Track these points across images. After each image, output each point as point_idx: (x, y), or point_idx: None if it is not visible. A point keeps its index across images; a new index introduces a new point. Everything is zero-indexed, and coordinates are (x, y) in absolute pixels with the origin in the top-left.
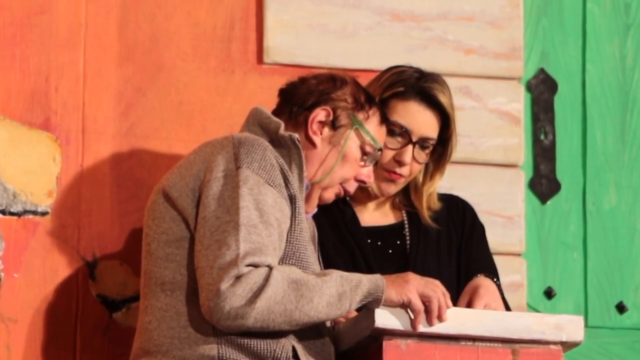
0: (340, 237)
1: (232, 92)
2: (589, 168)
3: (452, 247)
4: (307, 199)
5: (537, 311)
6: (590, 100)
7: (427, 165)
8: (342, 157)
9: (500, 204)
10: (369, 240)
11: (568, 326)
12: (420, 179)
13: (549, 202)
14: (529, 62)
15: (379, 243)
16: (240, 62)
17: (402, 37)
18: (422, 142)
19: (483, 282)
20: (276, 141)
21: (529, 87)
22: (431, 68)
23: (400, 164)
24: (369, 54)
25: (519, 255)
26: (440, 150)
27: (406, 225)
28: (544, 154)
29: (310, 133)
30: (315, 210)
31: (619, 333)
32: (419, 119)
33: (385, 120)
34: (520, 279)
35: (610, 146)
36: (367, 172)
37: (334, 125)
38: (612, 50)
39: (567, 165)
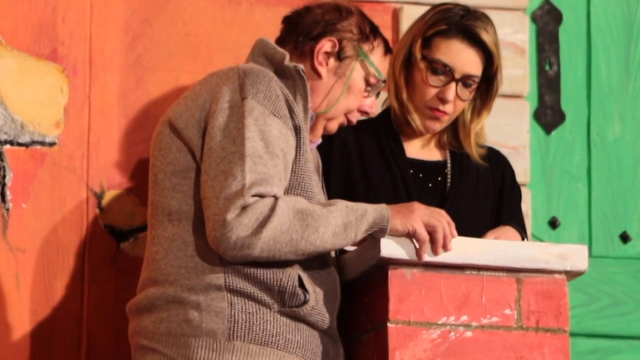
0: (386, 164)
1: (238, 23)
2: (593, 99)
3: (489, 194)
4: (312, 129)
5: (542, 241)
6: (595, 31)
7: (474, 102)
8: (347, 88)
9: (505, 134)
10: (411, 171)
11: (572, 255)
12: (468, 116)
13: (553, 133)
14: None
15: (421, 175)
16: None
17: None
18: (465, 80)
19: (508, 229)
20: (281, 72)
21: (534, 18)
22: None
23: (444, 101)
24: None
25: (523, 185)
26: (485, 87)
27: (449, 164)
28: (548, 84)
29: (316, 64)
30: (320, 140)
31: (622, 262)
32: (462, 57)
33: (388, 51)
34: (524, 209)
35: (615, 77)
36: (370, 103)
37: (339, 56)
38: None
39: (572, 96)
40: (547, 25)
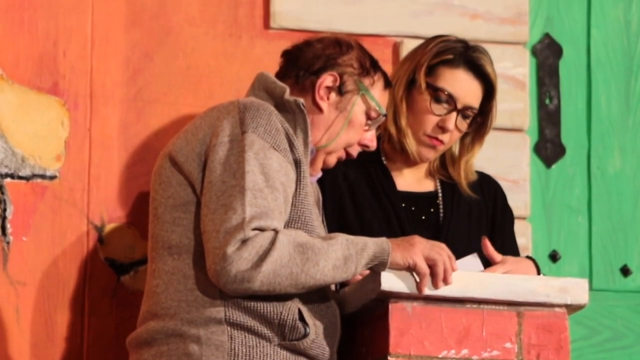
0: (377, 199)
1: (239, 57)
2: (593, 132)
3: (482, 221)
4: (312, 163)
5: (542, 274)
6: (595, 64)
7: (464, 135)
8: (348, 122)
9: (505, 168)
10: (403, 205)
11: (573, 289)
12: (457, 150)
13: (553, 166)
14: (534, 27)
15: (413, 208)
16: (248, 27)
17: (408, 2)
18: (465, 111)
19: (524, 261)
20: (281, 106)
21: (534, 52)
22: (437, 33)
23: (444, 130)
24: (375, 19)
25: (524, 219)
26: (480, 121)
27: (440, 194)
28: (549, 118)
29: (318, 98)
30: (320, 174)
31: (623, 296)
32: (465, 88)
33: (387, 85)
34: (525, 243)
35: (615, 110)
36: (370, 137)
37: (340, 90)
38: (617, 15)
39: (572, 129)
40: (547, 59)
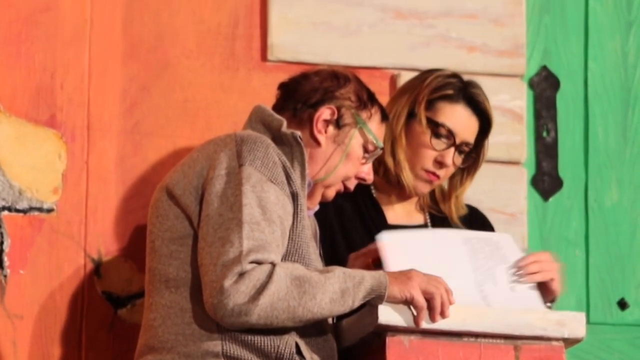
0: (368, 233)
1: (236, 89)
2: (591, 165)
3: None
4: (310, 196)
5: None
6: (592, 97)
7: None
8: (346, 156)
9: (502, 201)
10: None
11: (570, 322)
12: (446, 184)
13: (551, 199)
14: (531, 59)
15: None
16: (245, 60)
17: (405, 35)
18: (462, 147)
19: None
20: (278, 139)
21: (532, 85)
22: (434, 66)
23: (442, 165)
24: (372, 51)
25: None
26: (473, 156)
27: (429, 227)
28: (546, 151)
29: (316, 132)
30: (317, 207)
31: (620, 329)
32: (464, 123)
33: (384, 118)
34: None
35: (612, 143)
36: (367, 170)
37: (338, 124)
38: (614, 47)
39: (569, 162)
40: (544, 92)
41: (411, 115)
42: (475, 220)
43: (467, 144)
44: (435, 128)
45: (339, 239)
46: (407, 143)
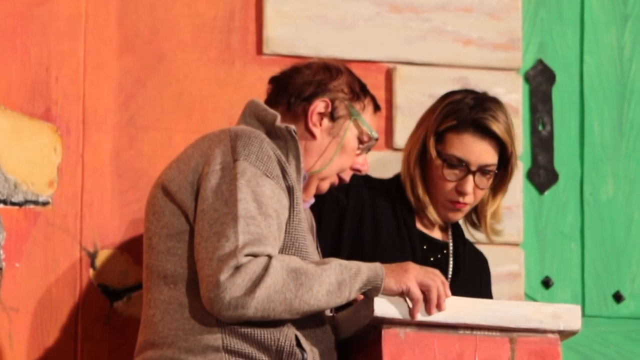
0: (397, 227)
1: (232, 82)
2: (586, 158)
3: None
4: (305, 189)
5: (535, 300)
6: (588, 91)
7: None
8: (341, 148)
9: None
10: (417, 241)
11: (565, 315)
12: (481, 199)
13: (546, 193)
14: (527, 53)
15: (425, 247)
16: (240, 53)
17: (401, 28)
18: (482, 169)
19: None
20: (273, 133)
21: (527, 78)
22: (430, 59)
23: (462, 194)
24: (367, 45)
25: (517, 245)
26: (502, 173)
27: (451, 245)
28: (542, 144)
29: (311, 125)
30: (313, 200)
31: (616, 322)
32: (476, 150)
33: (377, 108)
34: (518, 269)
35: (608, 137)
36: (362, 161)
37: (332, 116)
38: (610, 41)
39: (565, 155)
40: (540, 86)
41: (424, 151)
42: (478, 262)
43: (486, 165)
44: (447, 160)
45: (368, 224)
46: (424, 178)
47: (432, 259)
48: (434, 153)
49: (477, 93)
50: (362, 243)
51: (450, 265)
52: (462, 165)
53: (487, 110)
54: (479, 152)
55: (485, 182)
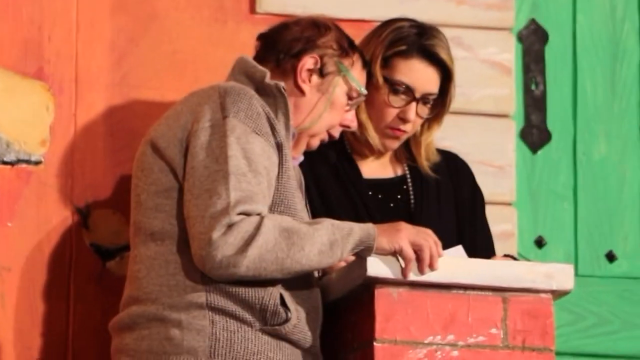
0: (344, 189)
1: (224, 41)
2: (579, 118)
3: (451, 204)
4: (294, 145)
5: (528, 260)
6: (581, 50)
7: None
8: (330, 104)
9: (491, 153)
10: (370, 193)
11: (558, 275)
12: (419, 129)
13: (539, 152)
14: (520, 12)
15: (380, 196)
16: (233, 12)
17: None
18: (425, 98)
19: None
20: (262, 90)
21: (520, 38)
22: (423, 18)
23: (405, 121)
24: (361, 4)
25: (509, 204)
26: (439, 102)
27: (409, 180)
28: (534, 104)
29: (300, 81)
30: (302, 157)
31: (608, 282)
32: (422, 77)
33: (365, 64)
34: (510, 228)
35: (601, 96)
36: (351, 117)
37: (321, 72)
38: (603, 0)
39: (558, 115)
40: (532, 45)
41: (368, 75)
42: (453, 167)
43: (429, 94)
44: (393, 85)
45: (315, 199)
46: (367, 103)
47: (391, 204)
48: (380, 79)
49: (420, 22)
50: (313, 215)
51: (412, 203)
52: (407, 91)
53: (435, 38)
54: (425, 79)
55: (427, 111)
